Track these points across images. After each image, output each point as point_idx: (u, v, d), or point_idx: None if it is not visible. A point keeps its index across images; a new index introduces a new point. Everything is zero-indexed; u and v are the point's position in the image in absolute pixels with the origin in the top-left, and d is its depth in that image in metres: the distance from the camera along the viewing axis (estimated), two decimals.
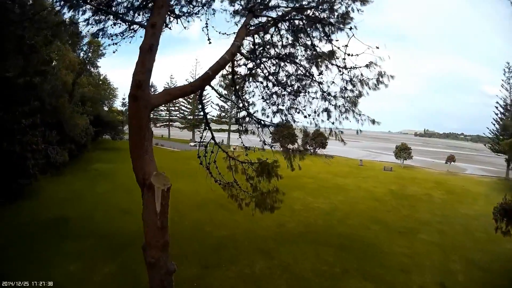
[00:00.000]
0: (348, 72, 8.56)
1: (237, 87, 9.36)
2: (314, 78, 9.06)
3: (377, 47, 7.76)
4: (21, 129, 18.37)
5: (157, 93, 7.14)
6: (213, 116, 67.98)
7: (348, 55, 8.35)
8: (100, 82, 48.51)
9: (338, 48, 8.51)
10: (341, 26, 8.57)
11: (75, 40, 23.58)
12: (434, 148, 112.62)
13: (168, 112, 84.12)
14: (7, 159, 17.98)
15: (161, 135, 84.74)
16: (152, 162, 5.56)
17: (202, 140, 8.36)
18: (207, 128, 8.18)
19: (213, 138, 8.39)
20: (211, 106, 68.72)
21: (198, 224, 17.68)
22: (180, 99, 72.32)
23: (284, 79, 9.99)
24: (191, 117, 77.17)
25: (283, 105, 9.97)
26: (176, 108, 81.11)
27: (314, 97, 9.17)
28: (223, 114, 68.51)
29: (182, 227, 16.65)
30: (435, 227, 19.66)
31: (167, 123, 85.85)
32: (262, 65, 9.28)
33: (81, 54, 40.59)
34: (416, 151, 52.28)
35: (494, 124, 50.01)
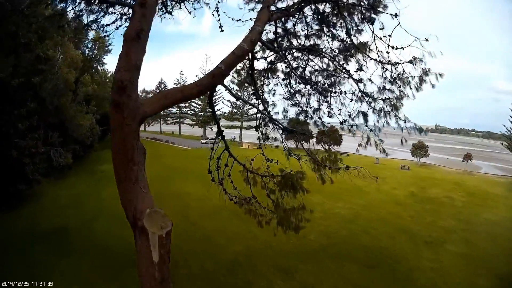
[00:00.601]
0: (395, 68, 6.92)
1: (256, 85, 7.74)
2: (350, 75, 7.39)
3: (426, 39, 6.16)
4: (18, 132, 17.14)
5: (149, 96, 5.55)
6: (224, 112, 65.52)
7: (393, 48, 6.74)
8: (107, 80, 47.32)
9: (380, 38, 6.87)
10: (373, 15, 6.98)
11: (77, 35, 22.30)
12: (447, 145, 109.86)
13: (178, 109, 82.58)
14: (4, 164, 16.83)
15: (172, 132, 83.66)
16: (146, 193, 3.91)
17: (214, 142, 7.02)
18: (219, 137, 6.64)
19: (227, 148, 6.86)
20: (222, 102, 66.72)
21: (210, 235, 16.27)
22: None
23: (309, 75, 8.39)
24: (202, 113, 75.07)
25: (310, 107, 8.36)
26: (187, 104, 79.22)
27: (352, 99, 7.46)
28: (235, 110, 66.29)
29: (192, 239, 15.29)
30: (461, 236, 18.73)
31: (178, 119, 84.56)
32: (286, 58, 7.60)
33: (86, 52, 39.45)
34: (429, 147, 50.26)
35: (511, 122, 48.18)
